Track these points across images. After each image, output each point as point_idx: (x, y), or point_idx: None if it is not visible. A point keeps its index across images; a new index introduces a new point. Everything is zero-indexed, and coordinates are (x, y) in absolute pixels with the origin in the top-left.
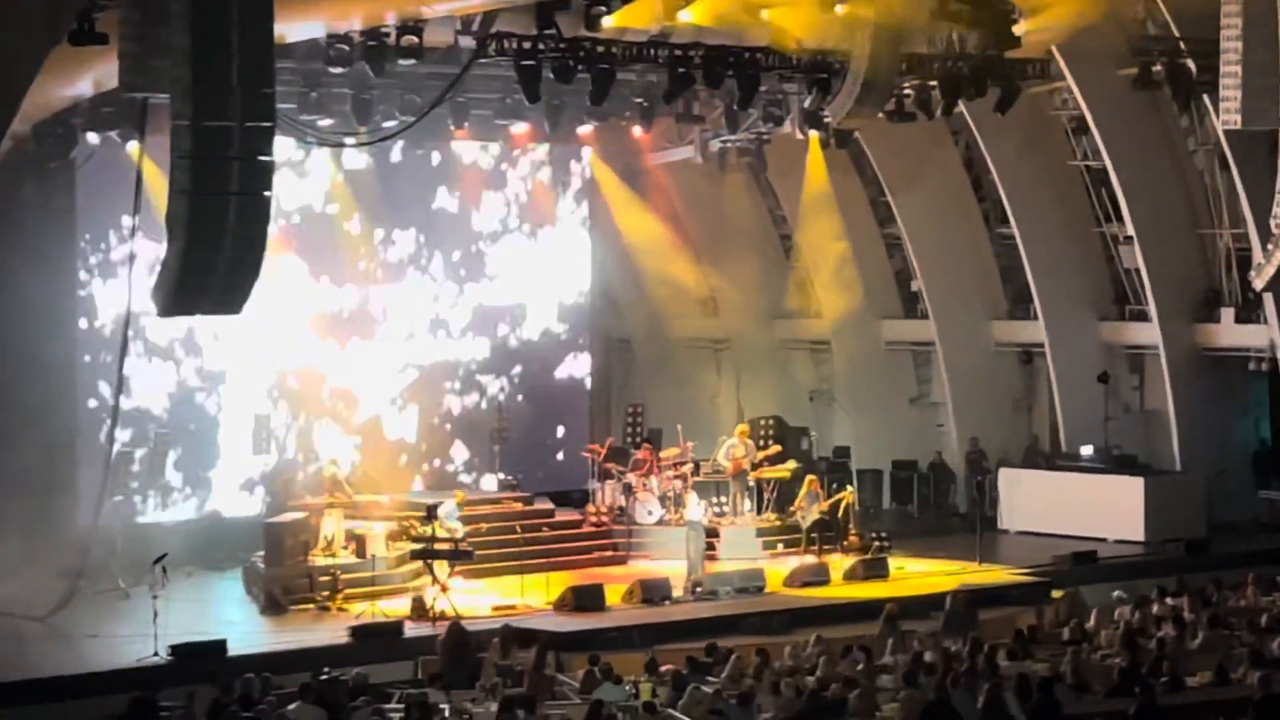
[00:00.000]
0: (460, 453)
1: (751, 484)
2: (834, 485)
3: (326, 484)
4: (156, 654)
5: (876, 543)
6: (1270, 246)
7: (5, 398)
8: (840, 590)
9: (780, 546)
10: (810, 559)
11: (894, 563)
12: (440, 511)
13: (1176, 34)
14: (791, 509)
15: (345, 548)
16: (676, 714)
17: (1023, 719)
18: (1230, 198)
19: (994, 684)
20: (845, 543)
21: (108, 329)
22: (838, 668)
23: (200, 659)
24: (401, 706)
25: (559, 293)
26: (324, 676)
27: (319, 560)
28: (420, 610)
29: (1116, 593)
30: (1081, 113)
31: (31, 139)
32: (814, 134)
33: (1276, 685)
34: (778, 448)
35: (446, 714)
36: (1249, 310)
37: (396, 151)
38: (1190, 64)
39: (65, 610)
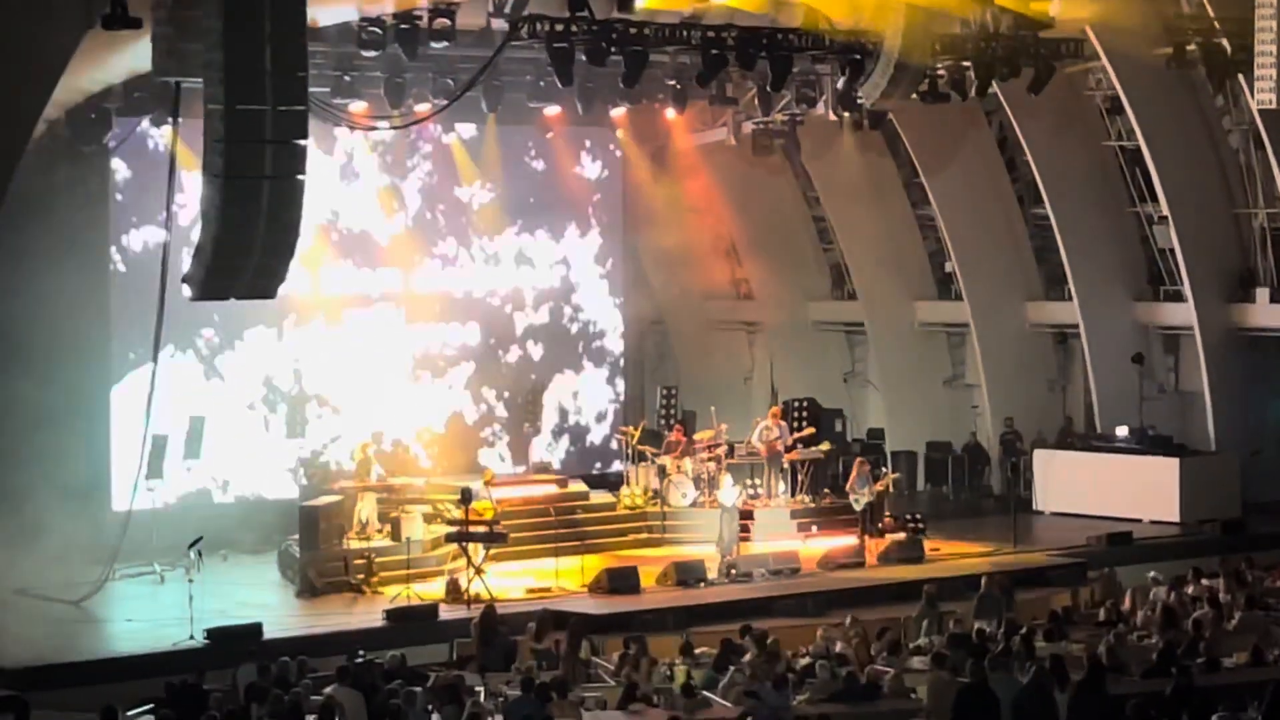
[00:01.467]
0: (494, 435)
1: (785, 466)
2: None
3: (360, 467)
4: (192, 638)
5: (911, 524)
6: None
7: (39, 381)
8: (875, 572)
9: (815, 528)
10: (850, 540)
11: (928, 544)
12: (473, 489)
13: (1211, 13)
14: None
15: (380, 531)
16: (713, 696)
17: (1063, 699)
18: (1265, 177)
19: (1038, 666)
20: (880, 524)
21: (141, 313)
22: (872, 649)
23: (236, 642)
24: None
25: (592, 276)
26: (360, 659)
27: (354, 544)
28: (455, 593)
29: (1152, 574)
30: (1116, 92)
31: (65, 123)
32: (847, 115)
33: None
34: (811, 430)
35: (481, 697)
36: None
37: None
38: (1225, 43)
39: (100, 594)
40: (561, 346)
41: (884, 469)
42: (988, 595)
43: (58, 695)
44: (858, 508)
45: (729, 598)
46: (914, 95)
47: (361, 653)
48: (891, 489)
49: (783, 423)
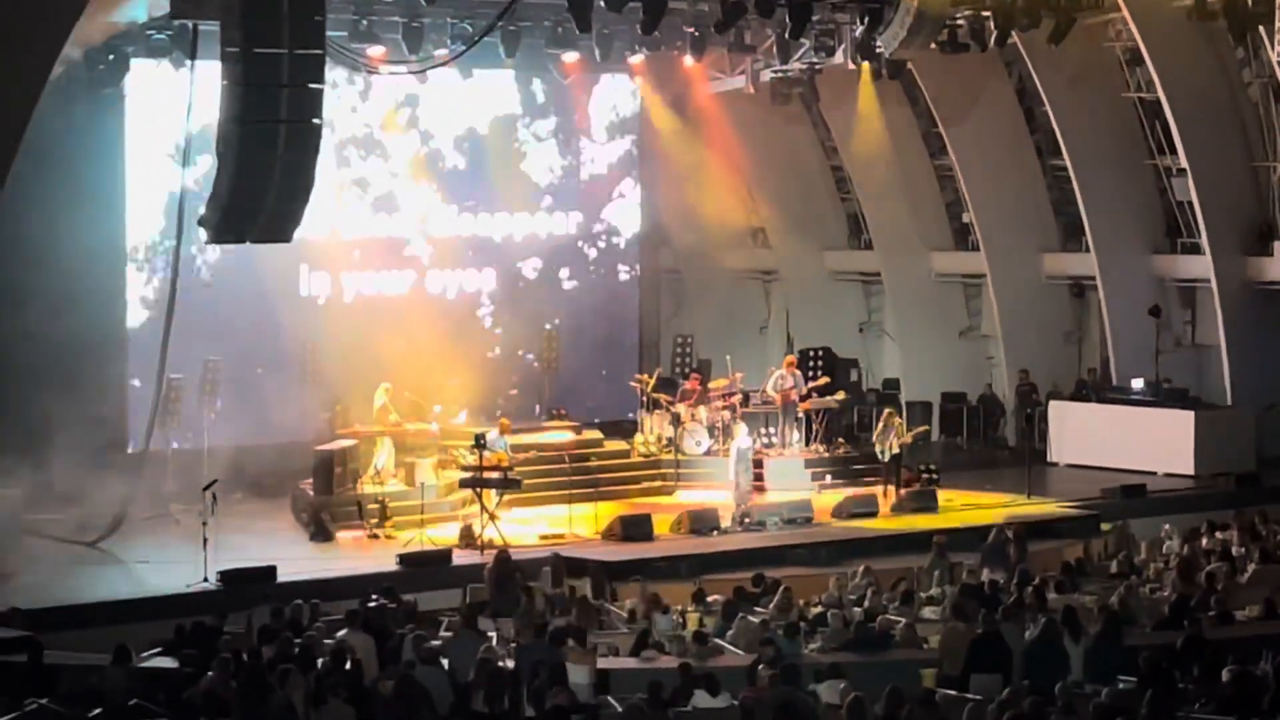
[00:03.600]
0: (509, 382)
1: (800, 416)
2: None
3: (380, 412)
4: (206, 580)
5: (925, 475)
6: None
7: (55, 325)
8: (888, 522)
9: (829, 478)
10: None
11: (942, 495)
12: (488, 438)
13: None
14: (872, 440)
15: (394, 475)
16: (724, 643)
17: (1077, 651)
18: None
19: (1049, 617)
20: (903, 476)
21: (156, 255)
22: (885, 599)
23: (249, 585)
24: (450, 634)
25: (609, 223)
26: (372, 604)
27: (368, 488)
28: (468, 539)
29: (1165, 526)
30: (1136, 44)
31: (83, 64)
32: (866, 64)
33: None
34: (826, 379)
35: (494, 641)
36: None
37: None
38: None
39: (115, 536)
40: (576, 294)
41: (897, 419)
42: (995, 545)
43: (71, 636)
44: (884, 459)
45: (742, 546)
46: (933, 45)
47: (375, 596)
48: (918, 441)
49: (797, 372)
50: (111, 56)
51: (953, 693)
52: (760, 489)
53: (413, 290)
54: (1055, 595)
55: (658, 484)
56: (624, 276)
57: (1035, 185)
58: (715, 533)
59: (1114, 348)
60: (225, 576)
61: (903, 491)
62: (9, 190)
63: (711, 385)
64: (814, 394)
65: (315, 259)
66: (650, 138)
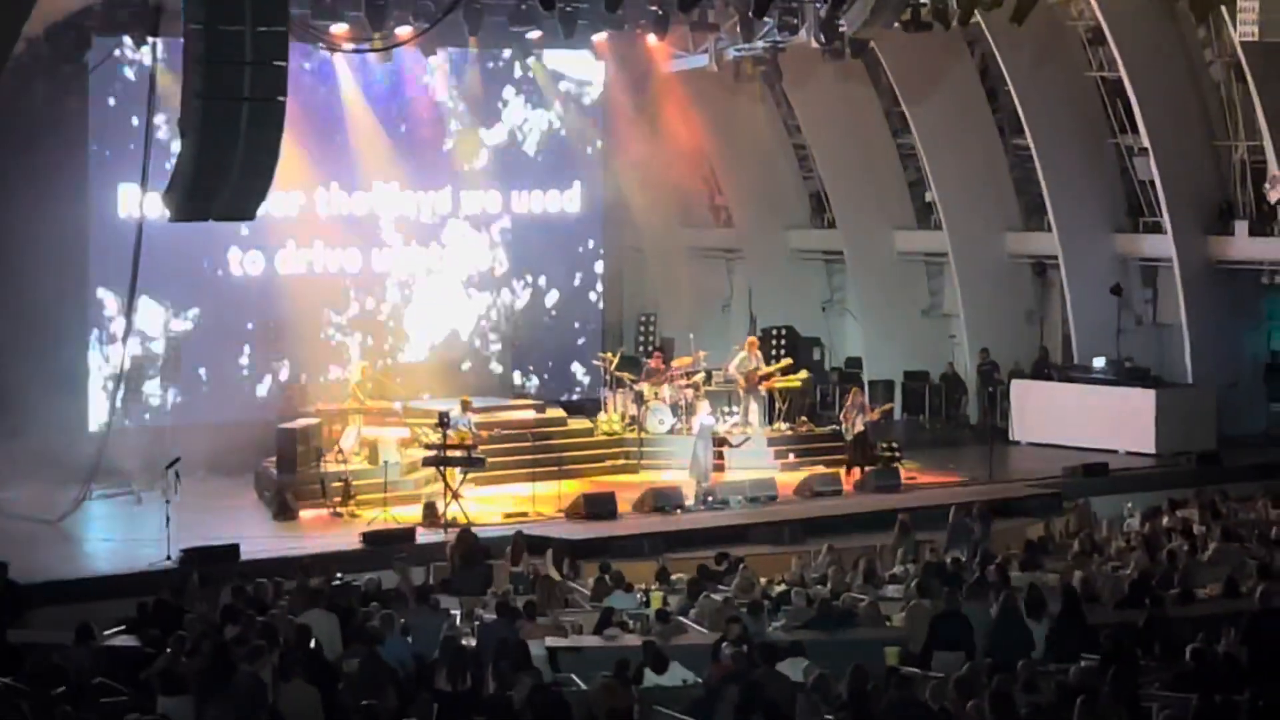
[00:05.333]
0: (473, 360)
1: (764, 394)
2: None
3: (357, 390)
4: (168, 558)
5: (888, 453)
6: None
7: (18, 299)
8: (851, 501)
9: (791, 456)
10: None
11: (905, 473)
12: (452, 416)
13: None
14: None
15: (358, 454)
16: (687, 621)
17: (1039, 629)
18: (1246, 110)
19: (1008, 594)
20: (868, 454)
21: (120, 232)
22: (848, 577)
23: (212, 563)
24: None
25: (571, 201)
26: (337, 582)
27: (331, 466)
28: (432, 516)
29: (1127, 505)
30: (1098, 23)
31: (44, 41)
32: (830, 43)
33: (1277, 599)
34: (788, 360)
35: (457, 619)
36: (1263, 223)
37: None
38: None
39: (77, 513)
40: (539, 272)
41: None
42: (958, 524)
43: (34, 614)
44: (848, 437)
45: (705, 524)
46: (897, 24)
47: (340, 575)
48: (883, 420)
49: (758, 353)
50: (73, 33)
51: (916, 670)
52: (720, 467)
53: (376, 267)
54: (1018, 573)
55: (621, 462)
56: (587, 254)
57: (997, 164)
58: (679, 511)
59: (1075, 326)
60: (188, 554)
61: (866, 470)
62: None
63: (675, 364)
64: (776, 374)
65: (279, 234)
66: (613, 116)
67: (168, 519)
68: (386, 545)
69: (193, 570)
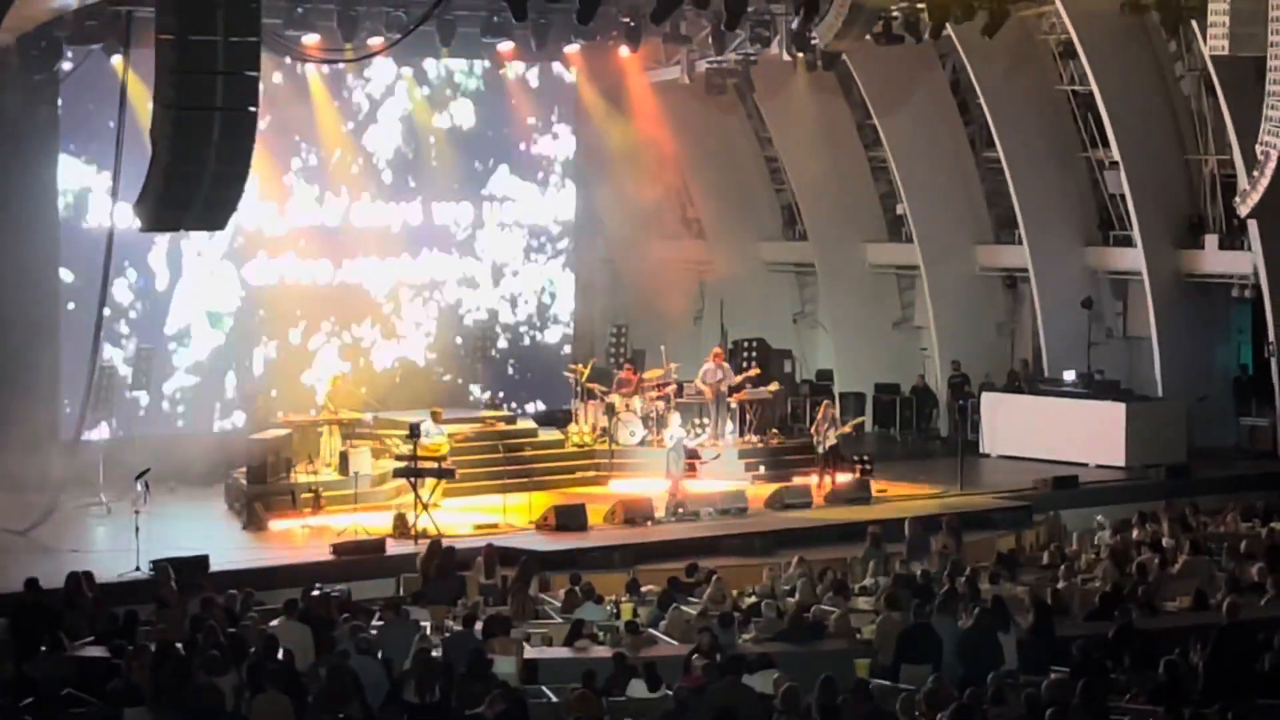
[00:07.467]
0: (443, 371)
1: (733, 406)
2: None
3: (330, 401)
4: (138, 569)
5: (859, 466)
6: (1255, 173)
7: None
8: (822, 513)
9: (762, 469)
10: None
11: (876, 486)
12: (422, 429)
13: None
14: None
15: (328, 465)
16: (658, 633)
17: (1009, 641)
18: (1216, 123)
19: (981, 608)
20: (839, 467)
21: (91, 243)
22: (818, 590)
23: (182, 574)
24: (382, 623)
25: (543, 212)
26: (314, 593)
27: (301, 477)
28: (402, 528)
29: (1097, 518)
30: (1070, 37)
31: (15, 51)
32: (801, 56)
33: (1244, 612)
34: (757, 370)
35: (427, 631)
36: (1233, 237)
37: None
38: None
39: (46, 524)
40: (510, 283)
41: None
42: (914, 539)
43: (2, 626)
44: (820, 450)
45: (676, 536)
46: (868, 36)
47: (318, 586)
48: (855, 433)
49: (725, 364)
50: (44, 43)
51: (886, 683)
52: (691, 477)
53: (348, 277)
54: (989, 586)
55: (592, 474)
56: (558, 265)
57: (969, 177)
58: (649, 523)
59: (1046, 339)
60: (158, 565)
61: (837, 482)
62: None
63: (646, 375)
64: (747, 384)
65: (247, 246)
66: (585, 128)
67: (137, 529)
68: (357, 556)
69: (168, 580)
